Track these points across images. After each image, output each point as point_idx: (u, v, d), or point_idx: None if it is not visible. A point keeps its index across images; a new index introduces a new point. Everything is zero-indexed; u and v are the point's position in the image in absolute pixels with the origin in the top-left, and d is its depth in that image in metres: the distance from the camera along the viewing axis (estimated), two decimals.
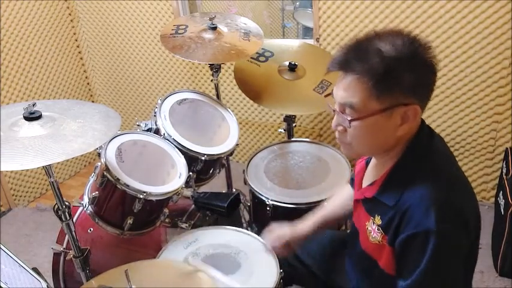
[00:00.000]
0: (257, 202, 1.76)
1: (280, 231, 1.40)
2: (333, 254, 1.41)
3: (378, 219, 1.06)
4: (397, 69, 0.95)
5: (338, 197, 1.44)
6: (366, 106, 0.98)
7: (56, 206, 1.35)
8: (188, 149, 1.69)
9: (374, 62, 0.95)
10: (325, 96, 1.11)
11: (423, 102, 1.01)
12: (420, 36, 0.99)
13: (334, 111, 1.05)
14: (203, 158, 1.71)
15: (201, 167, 1.74)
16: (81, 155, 3.14)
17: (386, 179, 1.07)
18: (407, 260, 0.99)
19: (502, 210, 2.02)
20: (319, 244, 1.45)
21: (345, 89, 1.00)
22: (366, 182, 1.18)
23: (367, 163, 1.22)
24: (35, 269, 1.25)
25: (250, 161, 1.93)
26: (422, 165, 1.02)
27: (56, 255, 1.68)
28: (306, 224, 1.39)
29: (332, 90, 1.06)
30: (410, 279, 0.97)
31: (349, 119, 1.00)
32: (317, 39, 2.42)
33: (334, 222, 1.44)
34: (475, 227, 1.03)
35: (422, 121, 1.07)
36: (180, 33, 1.99)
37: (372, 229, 1.08)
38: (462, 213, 0.97)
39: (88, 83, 3.23)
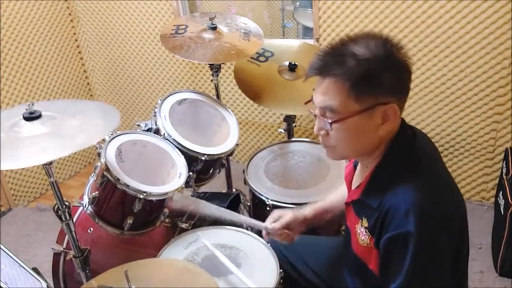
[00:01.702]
0: (257, 202, 1.76)
1: (282, 213, 1.39)
2: (330, 262, 1.41)
3: (365, 222, 1.07)
4: (373, 70, 0.97)
5: (339, 192, 1.45)
6: (345, 108, 1.00)
7: (56, 206, 1.36)
8: (188, 149, 1.69)
9: (350, 65, 0.98)
10: (306, 103, 1.13)
11: (401, 101, 1.03)
12: (393, 38, 1.02)
13: (315, 116, 1.08)
14: (203, 158, 1.71)
15: (201, 167, 1.74)
16: (81, 155, 3.18)
17: (369, 181, 1.09)
18: (390, 263, 1.00)
19: (502, 210, 2.02)
20: (316, 253, 1.45)
21: (324, 93, 1.02)
22: (354, 185, 1.20)
23: (355, 166, 1.23)
24: (35, 269, 1.25)
25: (250, 161, 1.93)
26: (403, 166, 1.03)
27: (56, 255, 1.68)
28: (307, 209, 1.40)
29: (312, 96, 1.08)
30: (396, 283, 0.97)
31: (329, 121, 1.02)
32: (317, 39, 2.42)
33: (333, 214, 1.43)
34: (460, 226, 1.03)
35: (403, 121, 1.09)
36: (180, 33, 1.99)
37: (361, 231, 1.09)
38: (444, 213, 0.97)
39: (88, 83, 3.23)
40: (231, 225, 1.56)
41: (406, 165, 1.03)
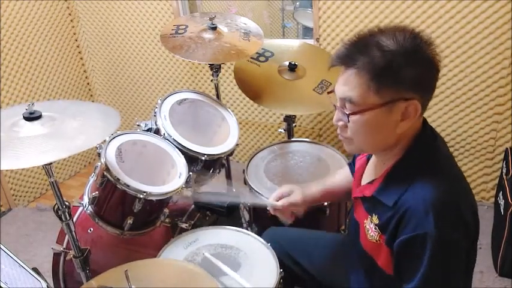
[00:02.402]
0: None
1: (291, 190, 1.38)
2: (333, 257, 1.41)
3: (375, 218, 1.06)
4: (397, 64, 0.94)
5: (341, 174, 1.45)
6: (365, 100, 0.97)
7: (56, 206, 1.36)
8: (188, 149, 1.69)
9: (374, 56, 0.95)
10: (328, 93, 1.11)
11: (424, 99, 1.00)
12: (423, 33, 0.99)
13: (335, 106, 1.05)
14: (203, 158, 1.71)
15: (201, 167, 1.74)
16: (81, 155, 3.18)
17: (386, 178, 1.06)
18: (407, 263, 0.98)
19: (502, 210, 2.02)
20: (318, 248, 1.44)
21: (345, 83, 1.00)
22: (365, 180, 1.17)
23: (368, 160, 1.21)
24: (35, 269, 1.25)
25: (250, 161, 1.93)
26: (423, 166, 1.01)
27: (56, 255, 1.68)
28: (314, 189, 1.39)
29: (335, 86, 1.05)
30: (412, 283, 0.96)
31: (347, 113, 1.00)
32: (317, 39, 2.42)
33: (336, 197, 1.43)
34: (474, 227, 1.02)
35: (425, 121, 1.07)
36: (180, 33, 1.99)
37: (370, 227, 1.08)
38: (462, 214, 0.96)
39: (88, 83, 3.23)
40: (231, 225, 1.56)
41: (425, 166, 1.01)
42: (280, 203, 1.36)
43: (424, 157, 1.03)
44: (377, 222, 1.05)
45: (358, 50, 0.98)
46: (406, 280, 0.98)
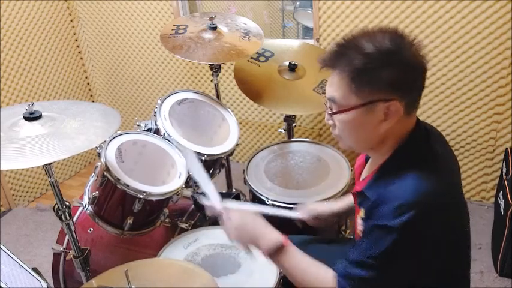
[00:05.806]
0: (257, 202, 1.76)
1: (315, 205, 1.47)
2: (332, 263, 1.41)
3: (362, 213, 1.09)
4: (373, 66, 0.97)
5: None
6: (346, 100, 1.01)
7: (56, 206, 1.36)
8: None
9: (353, 58, 0.98)
10: (322, 93, 1.15)
11: (406, 99, 1.00)
12: (407, 34, 1.00)
13: (325, 106, 1.10)
14: (203, 158, 1.71)
15: None
16: (81, 155, 3.18)
17: (374, 175, 1.09)
18: (361, 243, 1.03)
19: (502, 210, 2.02)
20: (317, 255, 1.44)
21: (330, 85, 1.04)
22: (362, 177, 1.22)
23: (366, 160, 1.24)
24: (35, 269, 1.25)
25: (250, 161, 1.93)
26: (409, 164, 1.02)
27: (56, 255, 1.69)
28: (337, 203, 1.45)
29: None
30: (353, 255, 1.02)
31: (329, 112, 1.05)
32: (317, 39, 2.42)
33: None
34: (460, 227, 1.04)
35: (419, 121, 1.08)
36: (180, 33, 1.99)
37: (359, 222, 1.11)
38: (438, 214, 0.97)
39: (88, 83, 3.23)
40: None
41: (412, 164, 1.02)
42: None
43: (412, 156, 1.04)
44: (363, 216, 1.08)
45: (340, 53, 1.01)
46: (350, 254, 1.04)
